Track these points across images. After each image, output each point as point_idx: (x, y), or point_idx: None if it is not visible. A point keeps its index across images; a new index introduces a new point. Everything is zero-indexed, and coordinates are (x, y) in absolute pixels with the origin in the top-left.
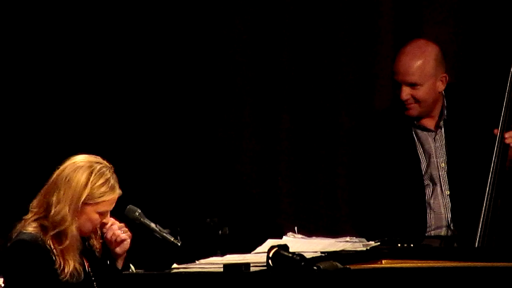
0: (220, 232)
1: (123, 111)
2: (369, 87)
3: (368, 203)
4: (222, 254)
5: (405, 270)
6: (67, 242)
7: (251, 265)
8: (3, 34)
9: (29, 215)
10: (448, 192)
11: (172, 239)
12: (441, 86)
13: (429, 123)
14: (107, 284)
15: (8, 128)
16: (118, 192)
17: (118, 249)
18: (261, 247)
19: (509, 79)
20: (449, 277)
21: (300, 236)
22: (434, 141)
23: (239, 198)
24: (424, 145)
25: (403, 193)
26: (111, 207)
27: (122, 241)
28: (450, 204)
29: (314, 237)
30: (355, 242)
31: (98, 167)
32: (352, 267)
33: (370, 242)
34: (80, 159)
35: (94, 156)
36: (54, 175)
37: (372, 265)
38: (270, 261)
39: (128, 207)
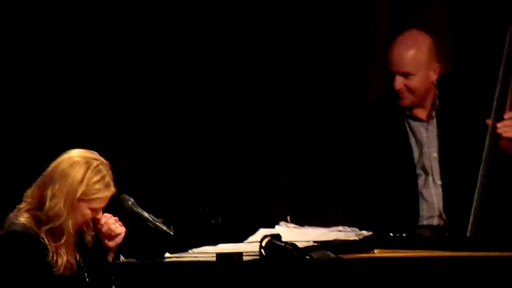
0: (212, 221)
1: (116, 101)
2: (363, 78)
3: (360, 193)
4: (215, 243)
5: (398, 260)
6: (64, 239)
7: (244, 254)
8: (3, 33)
9: (23, 205)
10: (440, 182)
11: (165, 228)
12: (433, 76)
13: (422, 113)
14: (98, 277)
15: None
16: (112, 190)
17: (111, 243)
18: (253, 237)
19: (501, 69)
20: (441, 266)
21: (292, 225)
22: (427, 131)
23: (231, 188)
24: (416, 135)
25: (395, 183)
26: (104, 204)
27: (117, 235)
28: (442, 194)
29: (306, 227)
30: (348, 231)
31: (95, 163)
32: (345, 256)
33: (363, 232)
34: (77, 154)
35: (91, 151)
36: (50, 168)
37: (365, 255)
38: (262, 250)
39: (121, 196)
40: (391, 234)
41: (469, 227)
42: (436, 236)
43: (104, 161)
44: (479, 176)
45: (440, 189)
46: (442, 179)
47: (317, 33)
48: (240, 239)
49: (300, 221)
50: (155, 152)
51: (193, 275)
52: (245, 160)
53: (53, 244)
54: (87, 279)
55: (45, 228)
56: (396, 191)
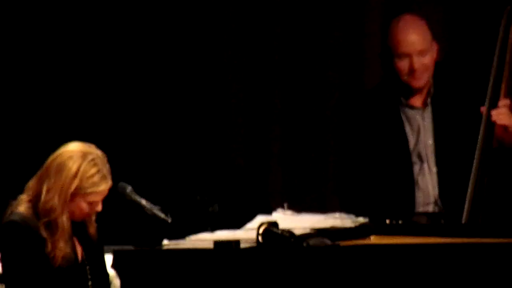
0: (210, 209)
1: (115, 93)
2: (358, 66)
3: (357, 181)
4: (212, 230)
5: (394, 246)
6: (58, 233)
7: (241, 241)
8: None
9: (24, 195)
10: (436, 169)
11: (162, 215)
12: (436, 54)
13: (417, 101)
14: (100, 270)
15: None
16: (109, 183)
17: None
18: (250, 224)
19: (495, 58)
20: (437, 253)
21: (289, 212)
22: (422, 118)
23: (228, 175)
24: (412, 123)
25: (391, 171)
26: (101, 198)
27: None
28: (437, 181)
29: (303, 214)
30: (344, 218)
31: (90, 157)
32: (341, 243)
33: (359, 219)
34: (73, 147)
35: (88, 145)
36: (48, 161)
37: (361, 242)
38: (260, 237)
39: (119, 184)
40: (387, 221)
41: (464, 214)
42: (431, 223)
43: (101, 154)
44: (474, 163)
45: (436, 177)
46: (437, 166)
47: (312, 23)
48: (237, 226)
49: (295, 209)
50: (153, 141)
51: (191, 262)
52: (241, 148)
53: (50, 236)
54: (89, 272)
55: (42, 221)
56: (392, 178)
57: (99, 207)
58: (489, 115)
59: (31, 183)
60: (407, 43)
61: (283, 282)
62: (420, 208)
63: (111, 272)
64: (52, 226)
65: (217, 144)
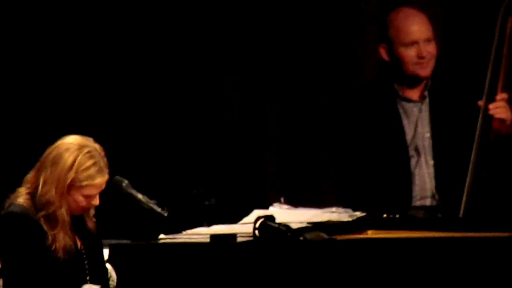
0: (206, 202)
1: (112, 87)
2: (355, 59)
3: (354, 174)
4: (209, 224)
5: (391, 240)
6: (58, 226)
7: (238, 235)
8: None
9: (22, 188)
10: (433, 163)
11: (158, 210)
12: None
13: (414, 94)
14: (98, 264)
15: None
16: (105, 176)
17: None
18: (247, 218)
19: (492, 51)
20: (434, 247)
21: (286, 206)
22: (420, 111)
23: (225, 169)
24: (409, 116)
25: (387, 164)
26: (97, 191)
27: None
28: (434, 174)
29: (300, 208)
30: (341, 213)
31: (86, 150)
32: (338, 237)
33: (356, 213)
34: (71, 140)
35: (86, 138)
36: (45, 153)
37: (358, 236)
38: (256, 231)
39: (115, 178)
40: (384, 215)
41: (462, 208)
42: (428, 216)
43: (98, 147)
44: (471, 156)
45: (433, 170)
46: (434, 159)
47: (309, 15)
48: (234, 220)
49: (292, 203)
50: (150, 135)
51: (187, 256)
52: (238, 142)
53: (50, 230)
54: (87, 267)
55: (41, 214)
56: (388, 172)
57: (96, 201)
58: (486, 109)
59: (29, 176)
60: (414, 31)
61: (279, 276)
62: (417, 202)
63: (110, 266)
64: (51, 219)
65: (213, 138)
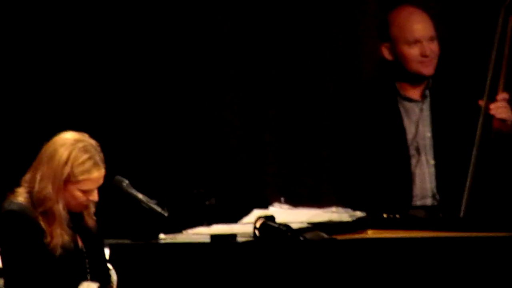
0: (206, 202)
1: (111, 86)
2: (355, 59)
3: (354, 174)
4: (209, 224)
5: (391, 240)
6: (56, 222)
7: (238, 235)
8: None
9: (21, 187)
10: (433, 162)
11: (159, 209)
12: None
13: (415, 93)
14: (99, 261)
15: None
16: (101, 170)
17: None
18: (247, 218)
19: (493, 51)
20: (434, 247)
21: (286, 206)
22: (421, 110)
23: (225, 169)
24: (410, 116)
25: (388, 163)
26: (94, 186)
27: None
28: (435, 174)
29: (300, 208)
30: (341, 212)
31: (81, 145)
32: (338, 237)
33: (356, 213)
34: (66, 136)
35: (81, 133)
36: (41, 150)
37: (358, 236)
38: (256, 231)
39: (115, 178)
40: (385, 215)
41: (462, 207)
42: (429, 216)
43: (94, 142)
44: (472, 156)
45: (433, 169)
46: (435, 158)
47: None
48: (234, 220)
49: (292, 203)
50: (150, 134)
51: (187, 256)
52: (238, 142)
53: (47, 226)
54: (87, 265)
55: (39, 210)
56: (389, 171)
57: (94, 196)
58: (487, 109)
59: (27, 175)
60: (418, 29)
61: (280, 276)
62: (417, 201)
63: (110, 266)
64: (48, 215)
65: (213, 138)
